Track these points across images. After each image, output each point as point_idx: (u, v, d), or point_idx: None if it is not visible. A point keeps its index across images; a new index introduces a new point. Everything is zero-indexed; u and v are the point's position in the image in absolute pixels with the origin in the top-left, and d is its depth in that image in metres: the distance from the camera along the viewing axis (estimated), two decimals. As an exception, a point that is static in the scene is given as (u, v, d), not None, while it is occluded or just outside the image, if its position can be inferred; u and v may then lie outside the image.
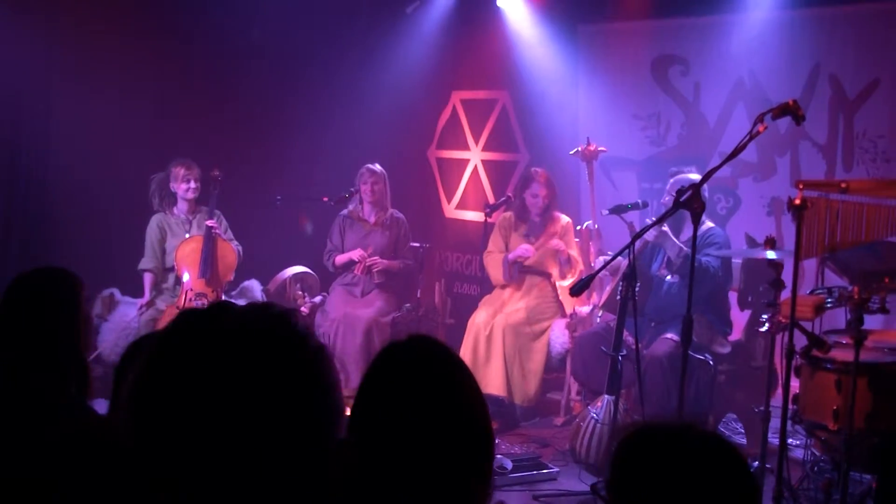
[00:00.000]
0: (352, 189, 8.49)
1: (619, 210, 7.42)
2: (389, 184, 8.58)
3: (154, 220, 8.03)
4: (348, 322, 8.10)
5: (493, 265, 8.27)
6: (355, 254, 8.40)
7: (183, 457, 1.34)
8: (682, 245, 6.94)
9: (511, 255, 8.14)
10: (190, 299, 7.71)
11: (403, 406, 2.09)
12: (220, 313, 1.45)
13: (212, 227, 7.87)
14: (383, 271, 8.44)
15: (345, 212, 8.60)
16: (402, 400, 2.10)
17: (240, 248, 8.08)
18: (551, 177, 8.13)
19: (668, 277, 7.10)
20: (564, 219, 8.24)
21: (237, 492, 1.35)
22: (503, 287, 8.25)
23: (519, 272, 8.20)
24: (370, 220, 8.55)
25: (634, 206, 7.43)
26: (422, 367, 2.14)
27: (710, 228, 7.05)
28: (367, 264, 8.37)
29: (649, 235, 6.84)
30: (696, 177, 6.90)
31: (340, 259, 8.51)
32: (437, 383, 2.12)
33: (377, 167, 8.51)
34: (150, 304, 7.87)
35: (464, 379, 2.18)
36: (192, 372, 1.37)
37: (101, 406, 3.63)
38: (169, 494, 1.36)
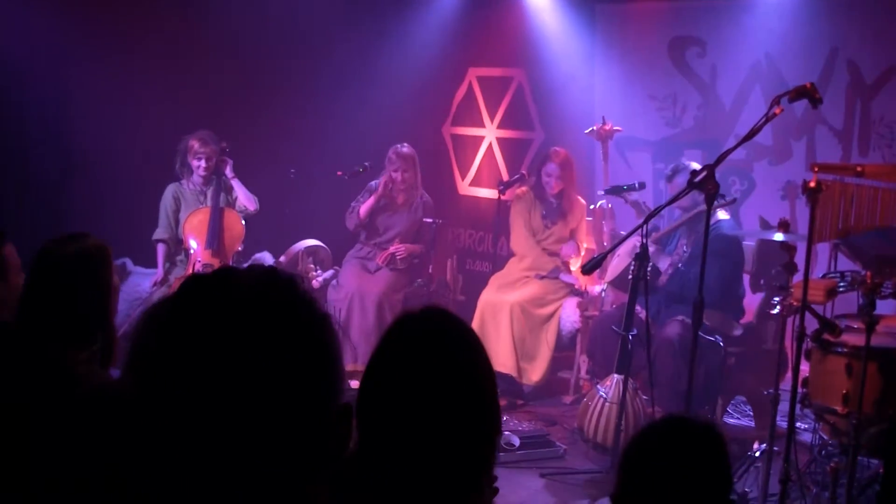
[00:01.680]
0: (366, 164, 8.47)
1: (616, 191, 7.46)
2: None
3: (169, 191, 8.03)
4: (360, 297, 8.10)
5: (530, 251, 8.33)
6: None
7: (185, 420, 1.35)
8: (672, 259, 6.98)
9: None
10: (198, 270, 7.71)
11: (413, 379, 2.11)
12: (226, 277, 1.45)
13: (228, 176, 7.96)
14: (406, 258, 8.43)
15: (374, 183, 8.53)
16: (413, 372, 2.12)
17: (256, 202, 8.08)
18: (570, 159, 8.09)
19: (680, 265, 7.09)
20: (582, 204, 8.25)
21: (239, 454, 1.36)
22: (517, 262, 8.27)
23: (533, 253, 8.22)
24: (398, 199, 8.51)
25: (631, 188, 7.44)
26: (433, 340, 2.17)
27: (719, 221, 6.95)
28: (391, 252, 8.37)
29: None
30: (696, 166, 6.90)
31: (364, 208, 8.43)
32: (448, 356, 2.15)
33: (405, 149, 8.39)
34: (164, 280, 7.88)
35: (474, 351, 2.20)
36: (197, 336, 1.37)
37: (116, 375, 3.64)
38: (169, 457, 1.36)
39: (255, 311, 1.39)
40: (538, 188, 8.18)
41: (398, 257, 8.38)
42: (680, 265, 7.06)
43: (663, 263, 7.14)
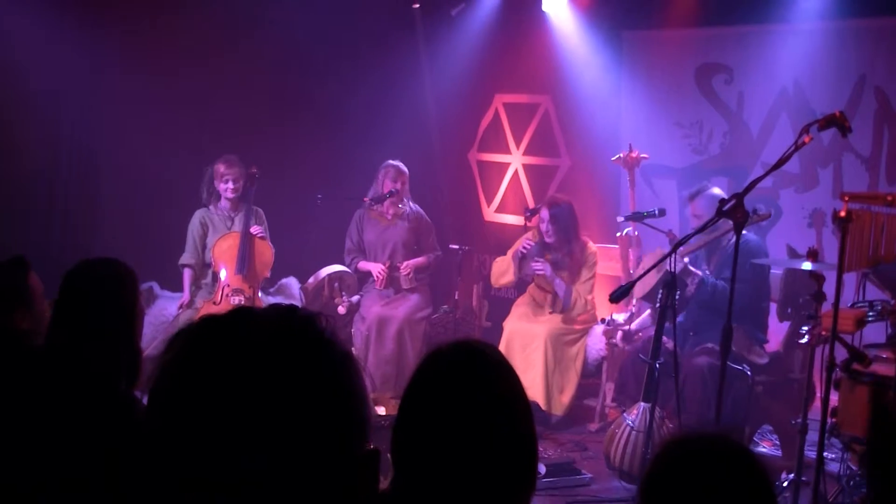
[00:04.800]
0: (393, 189, 8.48)
1: (636, 218, 7.45)
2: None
3: (197, 216, 8.03)
4: (381, 323, 8.08)
5: (500, 267, 8.25)
6: (375, 268, 8.40)
7: (200, 464, 1.31)
8: (701, 274, 6.89)
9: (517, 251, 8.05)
10: (227, 295, 7.69)
11: (452, 416, 2.08)
12: (241, 320, 1.40)
13: (256, 234, 7.88)
14: (413, 276, 8.43)
15: (361, 210, 8.59)
16: (452, 410, 2.09)
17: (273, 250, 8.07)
18: (565, 208, 7.82)
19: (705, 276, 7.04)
20: (590, 252, 8.02)
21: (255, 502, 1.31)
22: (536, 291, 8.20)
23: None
24: (388, 214, 8.53)
25: (650, 215, 7.41)
26: (466, 376, 2.13)
27: (745, 237, 6.92)
28: (401, 273, 8.36)
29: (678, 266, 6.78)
30: (717, 191, 6.91)
31: (363, 267, 8.51)
32: (482, 392, 2.12)
33: (401, 164, 8.46)
34: (190, 304, 7.87)
35: (510, 386, 2.17)
36: (211, 380, 1.32)
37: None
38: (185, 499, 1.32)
39: (268, 353, 1.35)
40: (540, 235, 8.01)
41: (404, 275, 8.38)
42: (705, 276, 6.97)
43: (694, 278, 6.98)
